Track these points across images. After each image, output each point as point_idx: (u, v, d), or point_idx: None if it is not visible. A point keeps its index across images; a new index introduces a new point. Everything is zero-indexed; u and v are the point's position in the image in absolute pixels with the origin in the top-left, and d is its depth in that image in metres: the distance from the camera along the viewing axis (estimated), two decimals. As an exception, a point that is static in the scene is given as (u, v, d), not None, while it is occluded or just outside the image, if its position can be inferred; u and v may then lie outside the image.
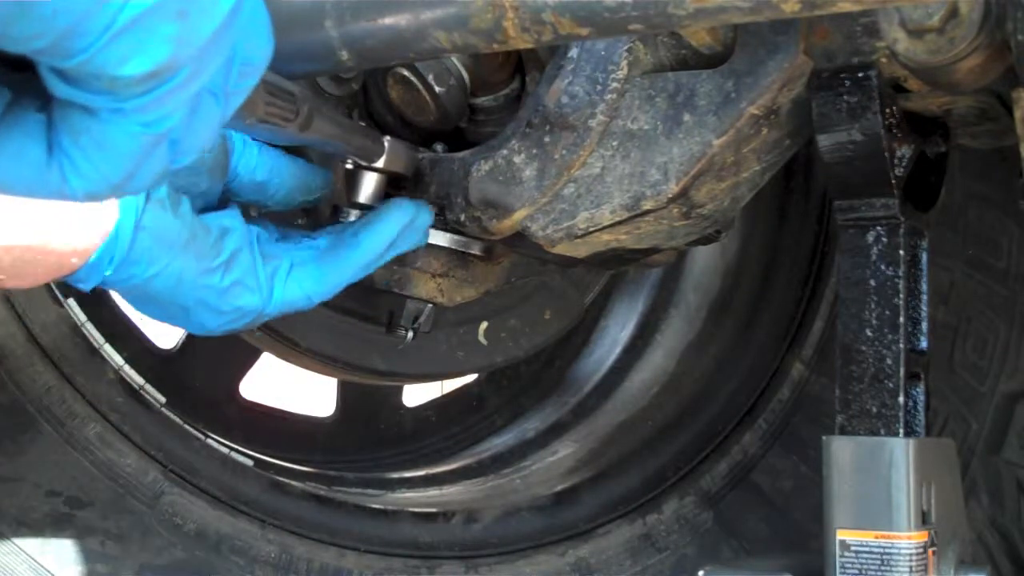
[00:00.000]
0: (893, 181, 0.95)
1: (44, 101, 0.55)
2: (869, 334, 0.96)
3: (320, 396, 1.94)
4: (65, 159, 0.56)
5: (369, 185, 1.02)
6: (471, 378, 1.90)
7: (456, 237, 1.12)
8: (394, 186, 1.05)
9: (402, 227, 0.99)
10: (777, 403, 1.55)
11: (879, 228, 0.97)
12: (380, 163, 1.01)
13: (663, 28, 0.73)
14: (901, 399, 0.94)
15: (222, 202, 0.96)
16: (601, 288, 1.69)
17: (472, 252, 1.14)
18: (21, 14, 0.48)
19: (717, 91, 0.94)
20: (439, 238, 1.11)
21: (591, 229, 1.02)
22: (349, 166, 1.03)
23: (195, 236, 0.88)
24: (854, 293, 0.97)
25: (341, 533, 1.30)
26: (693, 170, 0.96)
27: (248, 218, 0.94)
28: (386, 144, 1.01)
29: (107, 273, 0.85)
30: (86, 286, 0.86)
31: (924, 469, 0.93)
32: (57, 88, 0.53)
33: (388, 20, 0.84)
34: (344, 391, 1.87)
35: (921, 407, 0.96)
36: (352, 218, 1.01)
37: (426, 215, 1.02)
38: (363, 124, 1.03)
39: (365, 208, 1.02)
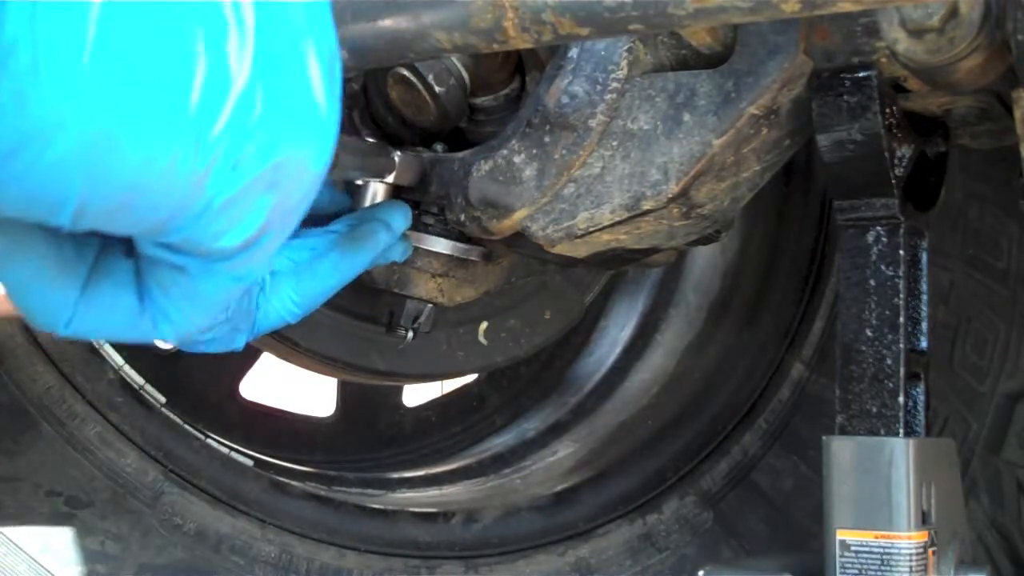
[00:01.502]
0: (893, 181, 0.95)
1: (129, 245, 0.56)
2: (869, 334, 0.96)
3: (320, 396, 1.94)
4: (156, 309, 0.57)
5: (375, 196, 1.03)
6: (471, 378, 1.90)
7: (456, 244, 1.12)
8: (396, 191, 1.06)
9: (387, 246, 1.01)
10: (777, 403, 1.55)
11: (879, 228, 0.97)
12: (391, 178, 1.02)
13: (663, 28, 0.73)
14: (901, 399, 0.94)
15: None
16: (601, 288, 1.68)
17: (471, 258, 1.14)
18: (123, 207, 0.48)
19: (717, 91, 0.94)
20: (438, 245, 1.12)
21: (591, 229, 1.02)
22: (359, 182, 1.03)
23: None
24: (854, 293, 0.97)
25: (341, 533, 1.30)
26: (693, 170, 0.96)
27: None
28: (396, 160, 1.01)
29: None
30: None
31: (924, 469, 0.93)
32: (149, 250, 0.54)
33: (388, 20, 0.84)
34: (344, 391, 1.87)
35: (921, 407, 0.96)
36: (338, 227, 1.01)
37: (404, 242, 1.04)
38: (373, 141, 1.03)
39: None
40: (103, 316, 0.57)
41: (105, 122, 0.46)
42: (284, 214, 0.55)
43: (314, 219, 1.03)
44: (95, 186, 0.47)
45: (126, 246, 0.56)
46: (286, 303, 0.96)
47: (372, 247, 1.00)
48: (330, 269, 0.98)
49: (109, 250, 0.57)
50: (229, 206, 0.51)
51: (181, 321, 0.58)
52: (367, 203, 1.03)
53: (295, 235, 1.00)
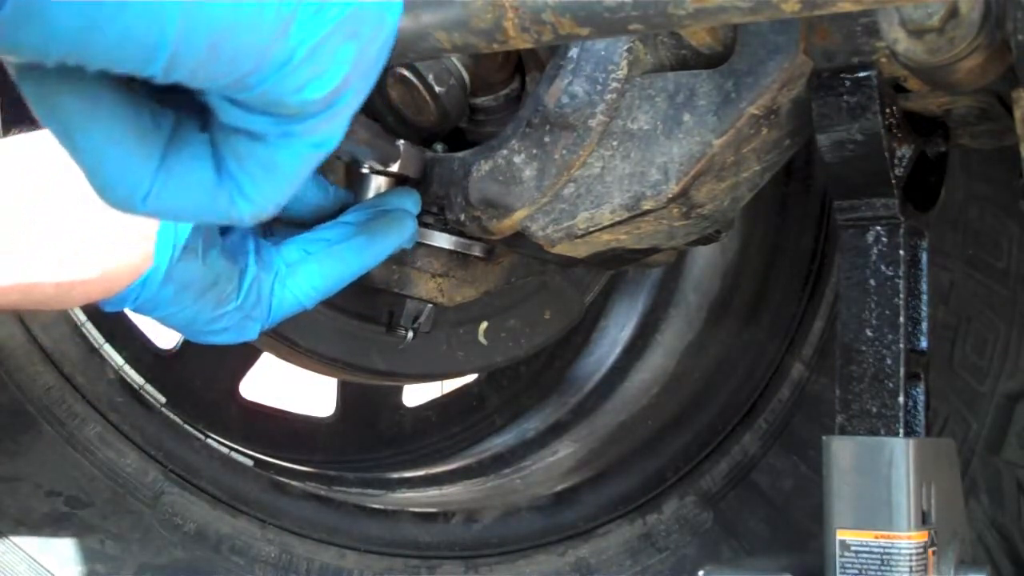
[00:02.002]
0: (893, 181, 0.95)
1: (204, 120, 0.54)
2: (869, 334, 0.96)
3: (320, 396, 1.94)
4: (232, 183, 0.55)
5: (379, 188, 1.03)
6: (471, 378, 1.90)
7: (457, 239, 1.12)
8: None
9: (413, 232, 1.02)
10: (777, 403, 1.55)
11: (879, 228, 0.97)
12: (395, 167, 1.02)
13: (663, 28, 0.73)
14: (901, 399, 0.94)
15: None
16: (601, 288, 1.68)
17: (472, 253, 1.14)
18: (212, 53, 0.47)
19: (717, 91, 0.94)
20: (440, 240, 1.12)
21: (591, 229, 1.02)
22: (365, 170, 1.03)
23: (217, 281, 0.91)
24: (854, 293, 0.97)
25: (341, 533, 1.30)
26: (693, 170, 0.96)
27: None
28: (401, 148, 1.01)
29: (130, 307, 0.89)
30: (106, 309, 0.89)
31: (924, 469, 0.93)
32: (227, 115, 0.52)
33: (388, 20, 0.84)
34: (344, 391, 1.87)
35: (921, 407, 0.96)
36: (350, 217, 1.02)
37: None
38: (379, 126, 1.04)
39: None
40: (181, 190, 0.54)
41: None
42: (364, 68, 0.53)
43: (319, 217, 1.03)
44: (190, 27, 0.45)
45: (201, 120, 0.55)
46: (304, 287, 0.97)
47: (399, 232, 1.01)
48: (355, 253, 0.98)
49: (185, 123, 0.55)
50: (313, 53, 0.50)
51: (257, 196, 0.56)
52: (371, 195, 1.04)
53: (306, 230, 1.00)
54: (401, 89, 1.14)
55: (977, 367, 1.41)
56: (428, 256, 1.13)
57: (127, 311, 0.91)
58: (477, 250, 1.14)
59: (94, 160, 0.53)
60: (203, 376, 1.74)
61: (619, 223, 1.01)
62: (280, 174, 0.55)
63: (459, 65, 1.13)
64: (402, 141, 1.03)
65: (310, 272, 0.97)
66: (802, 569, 1.02)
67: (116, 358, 1.26)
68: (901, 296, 0.95)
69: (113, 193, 0.54)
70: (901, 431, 0.93)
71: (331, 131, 0.55)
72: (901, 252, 0.96)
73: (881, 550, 0.91)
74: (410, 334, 1.17)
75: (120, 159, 0.53)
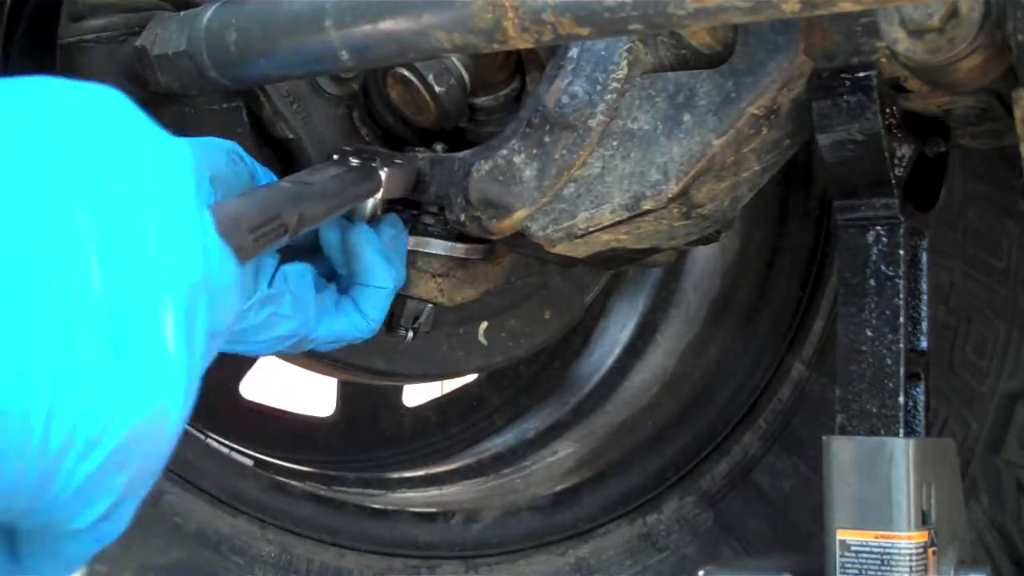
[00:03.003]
0: (893, 181, 0.95)
1: None
2: (869, 334, 0.96)
3: (320, 396, 1.94)
4: (23, 569, 0.58)
5: (368, 208, 1.03)
6: (471, 378, 1.90)
7: (456, 245, 1.12)
8: None
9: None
10: (777, 403, 1.55)
11: (879, 228, 0.97)
12: (379, 195, 1.02)
13: (663, 28, 0.73)
14: (901, 399, 0.94)
15: None
16: (601, 288, 1.68)
17: (473, 258, 1.14)
18: None
19: (717, 91, 0.94)
20: (438, 247, 1.12)
21: (591, 229, 1.02)
22: None
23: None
24: (854, 293, 0.97)
25: (341, 533, 1.29)
26: (693, 170, 0.96)
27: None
28: (382, 178, 1.01)
29: None
30: None
31: (924, 469, 0.93)
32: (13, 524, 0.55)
33: (388, 20, 0.84)
34: (344, 391, 1.87)
35: (921, 407, 0.96)
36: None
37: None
38: (355, 165, 1.01)
39: None
40: None
41: None
42: (142, 479, 0.56)
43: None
44: None
45: None
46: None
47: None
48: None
49: None
50: (80, 491, 0.52)
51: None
52: (362, 216, 1.03)
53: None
54: (401, 89, 1.14)
55: (977, 367, 1.41)
56: (428, 256, 1.13)
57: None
58: (476, 255, 1.14)
59: None
60: (203, 376, 1.74)
61: (619, 223, 1.01)
62: (67, 560, 0.58)
63: (459, 65, 1.12)
64: (384, 170, 1.01)
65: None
66: (802, 569, 1.02)
67: (116, 358, 1.25)
68: (901, 296, 0.95)
69: None
70: (901, 431, 0.93)
71: (114, 529, 0.57)
72: (901, 252, 0.96)
73: (881, 550, 0.91)
74: (410, 334, 1.17)
75: None
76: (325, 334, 0.97)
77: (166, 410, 0.55)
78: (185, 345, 0.55)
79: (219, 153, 0.87)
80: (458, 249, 1.12)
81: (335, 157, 1.04)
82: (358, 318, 0.98)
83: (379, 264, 0.98)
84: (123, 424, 0.53)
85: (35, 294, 0.50)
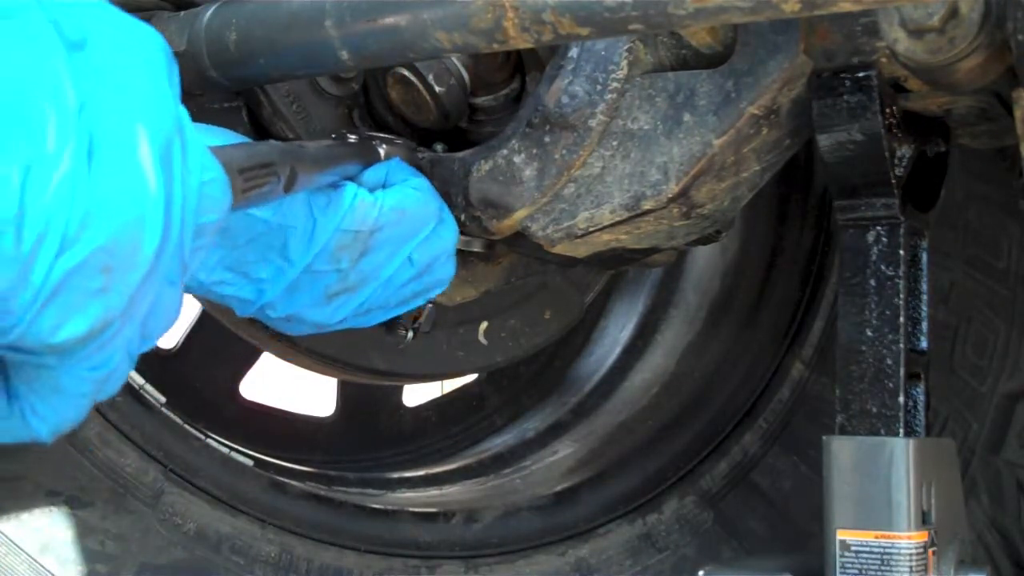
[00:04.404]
0: (893, 181, 0.95)
1: None
2: (869, 334, 0.96)
3: (320, 396, 1.94)
4: (25, 405, 0.58)
5: None
6: (471, 378, 1.90)
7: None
8: None
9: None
10: (777, 403, 1.55)
11: (879, 228, 0.97)
12: None
13: (663, 28, 0.73)
14: (901, 399, 0.94)
15: None
16: (601, 288, 1.68)
17: (473, 250, 1.14)
18: None
19: (717, 91, 0.94)
20: None
21: (591, 229, 1.02)
22: None
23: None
24: (854, 293, 0.97)
25: (341, 533, 1.29)
26: (693, 170, 0.96)
27: None
28: (381, 153, 1.01)
29: None
30: None
31: (924, 469, 0.93)
32: (4, 352, 0.54)
33: (388, 20, 0.84)
34: (344, 391, 1.87)
35: (921, 407, 0.96)
36: None
37: None
38: (353, 140, 1.03)
39: None
40: None
41: None
42: (124, 299, 0.55)
43: None
44: None
45: None
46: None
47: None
48: None
49: None
50: (58, 294, 0.51)
51: (50, 414, 0.59)
52: None
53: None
54: (401, 89, 1.14)
55: (977, 367, 1.41)
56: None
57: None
58: (477, 246, 1.14)
59: None
60: (203, 376, 1.74)
61: (619, 223, 1.01)
62: (68, 395, 0.58)
63: (459, 65, 1.12)
64: (384, 147, 1.01)
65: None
66: (802, 569, 1.02)
67: (116, 358, 1.25)
68: (901, 296, 0.95)
69: None
70: (901, 431, 0.93)
71: (106, 356, 0.57)
72: (901, 252, 0.96)
73: (881, 550, 0.91)
74: (410, 334, 1.17)
75: None
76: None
77: (143, 224, 0.54)
78: (162, 171, 0.55)
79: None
80: (460, 240, 1.12)
81: (333, 136, 1.06)
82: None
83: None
84: (101, 227, 0.52)
85: (3, 95, 0.50)
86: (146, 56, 0.58)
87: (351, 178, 0.95)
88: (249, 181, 0.75)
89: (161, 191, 0.55)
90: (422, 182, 0.99)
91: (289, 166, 0.81)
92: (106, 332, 0.55)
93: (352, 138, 1.02)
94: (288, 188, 0.81)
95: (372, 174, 0.97)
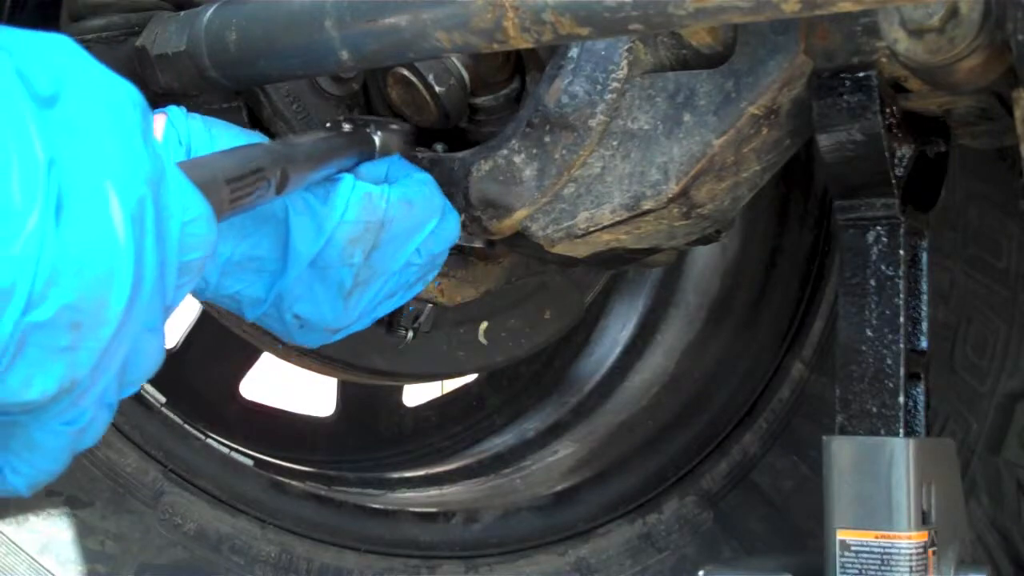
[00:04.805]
0: (893, 181, 0.95)
1: None
2: (869, 334, 0.96)
3: (320, 396, 1.94)
4: (2, 462, 0.58)
5: None
6: (471, 378, 1.90)
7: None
8: None
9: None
10: (777, 403, 1.55)
11: (879, 228, 0.96)
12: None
13: (663, 28, 0.73)
14: (901, 399, 0.94)
15: None
16: (601, 288, 1.68)
17: (474, 246, 1.13)
18: None
19: (717, 91, 0.94)
20: None
21: (591, 229, 1.02)
22: None
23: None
24: (854, 293, 0.97)
25: (341, 533, 1.30)
26: (693, 170, 0.96)
27: None
28: (376, 141, 1.01)
29: None
30: None
31: (924, 469, 0.93)
32: None
33: (388, 20, 0.84)
34: (344, 391, 1.87)
35: (921, 407, 0.96)
36: None
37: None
38: (348, 129, 1.02)
39: None
40: None
41: None
42: (94, 355, 0.54)
43: None
44: None
45: None
46: None
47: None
48: None
49: None
50: (25, 352, 0.51)
51: (27, 469, 0.59)
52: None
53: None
54: (401, 89, 1.14)
55: (977, 367, 1.41)
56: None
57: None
58: (477, 243, 1.14)
59: None
60: (203, 376, 1.74)
61: (619, 223, 1.01)
62: (44, 450, 0.58)
63: (459, 65, 1.12)
64: (378, 133, 1.01)
65: None
66: (802, 569, 1.02)
67: (116, 358, 1.25)
68: (901, 296, 0.95)
69: None
70: (901, 431, 0.93)
71: (80, 411, 0.57)
72: (901, 252, 0.96)
73: (881, 550, 0.91)
74: (410, 334, 1.17)
75: None
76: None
77: (112, 280, 0.54)
78: (131, 226, 0.54)
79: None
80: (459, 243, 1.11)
81: (328, 126, 1.04)
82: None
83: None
84: (69, 285, 0.52)
85: None
86: (119, 111, 0.57)
87: (348, 170, 0.95)
88: (237, 191, 0.74)
89: (130, 246, 0.54)
90: (425, 176, 0.99)
91: (280, 168, 0.80)
92: (77, 388, 0.55)
93: (347, 127, 1.01)
94: (280, 190, 0.80)
95: (373, 169, 0.97)
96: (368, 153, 1.00)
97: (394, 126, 1.04)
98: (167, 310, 0.61)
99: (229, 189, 0.73)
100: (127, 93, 0.59)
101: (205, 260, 0.63)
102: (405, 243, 0.95)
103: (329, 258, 0.90)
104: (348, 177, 0.92)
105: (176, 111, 0.88)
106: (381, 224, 0.92)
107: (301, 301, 0.92)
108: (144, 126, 0.59)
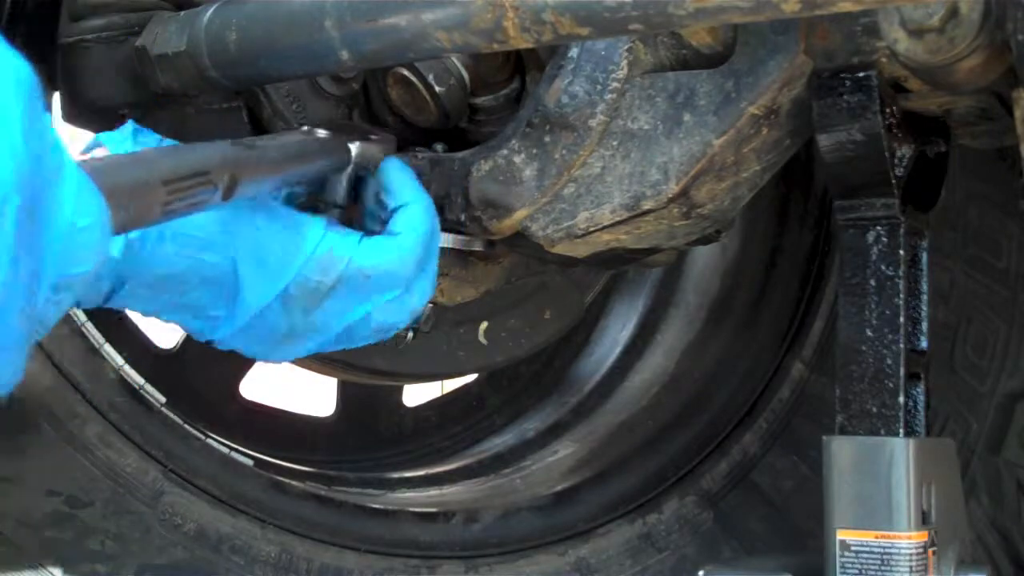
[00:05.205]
0: (893, 181, 0.95)
1: None
2: (869, 334, 0.96)
3: (320, 396, 1.94)
4: None
5: (343, 183, 0.95)
6: (471, 378, 1.90)
7: (457, 236, 1.12)
8: None
9: None
10: (777, 403, 1.55)
11: (879, 228, 0.97)
12: (349, 170, 0.95)
13: (663, 28, 0.73)
14: (901, 399, 0.94)
15: None
16: (601, 288, 1.68)
17: (474, 248, 1.13)
18: None
19: (717, 91, 0.94)
20: (444, 240, 1.11)
21: (591, 229, 1.02)
22: None
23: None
24: (854, 293, 0.97)
25: (341, 533, 1.29)
26: (693, 170, 0.96)
27: None
28: (352, 152, 0.94)
29: None
30: None
31: (924, 469, 0.93)
32: None
33: (388, 20, 0.84)
34: (344, 391, 1.87)
35: (921, 407, 0.96)
36: None
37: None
38: (323, 135, 0.95)
39: None
40: None
41: None
42: None
43: None
44: None
45: None
46: None
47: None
48: None
49: None
50: None
51: None
52: (333, 193, 0.95)
53: None
54: (401, 89, 1.14)
55: (977, 367, 1.41)
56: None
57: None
58: (477, 245, 1.14)
59: None
60: (203, 376, 1.74)
61: (619, 223, 1.01)
62: None
63: (459, 65, 1.12)
64: (357, 143, 0.94)
65: None
66: (802, 569, 1.02)
67: (116, 358, 1.25)
68: (901, 296, 0.95)
69: None
70: (901, 431, 0.93)
71: None
72: (901, 252, 0.96)
73: (881, 550, 0.91)
74: (410, 334, 1.17)
75: None
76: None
77: None
78: None
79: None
80: (458, 240, 1.11)
81: (304, 130, 0.97)
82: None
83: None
84: None
85: None
86: None
87: (332, 203, 0.91)
88: (174, 193, 0.69)
89: None
90: (413, 238, 0.91)
91: (228, 173, 0.75)
92: None
93: (322, 133, 0.94)
94: (227, 196, 0.75)
95: (372, 184, 0.94)
96: (342, 163, 0.94)
97: (375, 136, 0.98)
98: (41, 326, 0.57)
99: (166, 191, 0.68)
100: (12, 67, 0.52)
101: (92, 275, 0.58)
102: (353, 305, 0.89)
103: (270, 307, 0.86)
104: (318, 225, 0.87)
105: (119, 136, 0.85)
106: (329, 286, 0.86)
107: (237, 338, 0.89)
108: (27, 108, 0.52)
